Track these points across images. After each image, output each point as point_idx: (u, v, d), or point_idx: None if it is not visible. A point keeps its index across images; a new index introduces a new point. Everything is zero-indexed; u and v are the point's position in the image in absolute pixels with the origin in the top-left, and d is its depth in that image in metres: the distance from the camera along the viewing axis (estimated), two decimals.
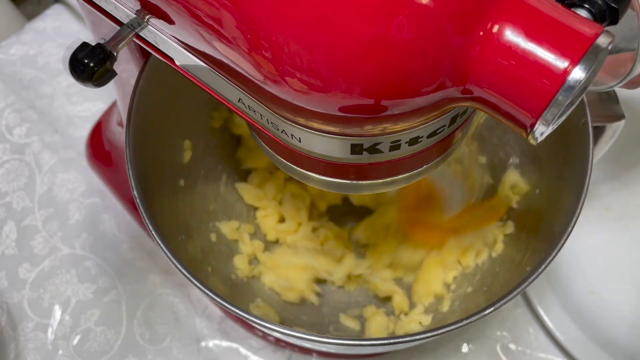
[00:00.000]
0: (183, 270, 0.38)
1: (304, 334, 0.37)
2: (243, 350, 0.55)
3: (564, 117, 0.24)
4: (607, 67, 0.31)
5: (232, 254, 0.56)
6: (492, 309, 0.37)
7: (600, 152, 0.47)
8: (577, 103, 0.24)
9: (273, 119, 0.28)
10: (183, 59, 0.29)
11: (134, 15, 0.28)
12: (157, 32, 0.28)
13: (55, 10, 0.73)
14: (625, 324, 0.52)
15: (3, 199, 0.60)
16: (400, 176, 0.32)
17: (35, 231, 0.59)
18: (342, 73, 0.22)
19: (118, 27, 0.28)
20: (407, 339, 0.37)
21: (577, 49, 0.21)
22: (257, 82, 0.24)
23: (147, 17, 0.27)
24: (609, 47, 0.22)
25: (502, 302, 0.37)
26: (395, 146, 0.27)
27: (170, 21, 0.26)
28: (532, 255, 0.46)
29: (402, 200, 0.58)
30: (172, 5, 0.25)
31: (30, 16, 0.75)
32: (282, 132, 0.29)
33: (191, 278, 0.37)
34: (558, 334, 0.54)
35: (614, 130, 0.44)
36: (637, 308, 0.52)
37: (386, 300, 0.55)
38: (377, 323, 0.53)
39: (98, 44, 0.27)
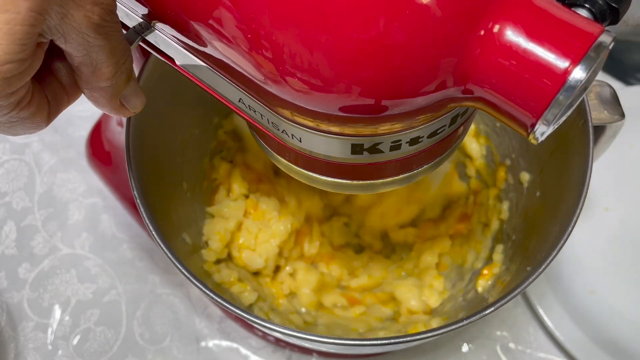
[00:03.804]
0: (183, 270, 0.38)
1: (304, 334, 0.37)
2: (243, 350, 0.55)
3: (564, 117, 0.24)
4: None
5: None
6: (492, 309, 0.37)
7: (600, 152, 0.46)
8: (577, 103, 0.24)
9: (273, 118, 0.28)
10: (183, 59, 0.29)
11: (140, 20, 0.28)
12: (157, 33, 0.28)
13: None
14: (625, 324, 0.52)
15: (3, 198, 0.60)
16: (400, 176, 0.32)
17: (35, 231, 0.59)
18: (342, 73, 0.22)
19: (124, 31, 0.28)
20: (407, 339, 0.37)
21: (578, 49, 0.21)
22: (258, 82, 0.24)
23: (154, 22, 0.27)
24: (610, 47, 0.22)
25: (502, 302, 0.37)
26: (395, 146, 0.27)
27: (176, 26, 0.26)
28: (532, 255, 0.46)
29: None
30: (174, 7, 0.25)
31: None
32: (282, 132, 0.29)
33: (191, 278, 0.37)
34: (558, 333, 0.54)
35: (614, 130, 0.44)
36: (637, 308, 0.52)
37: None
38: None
39: None
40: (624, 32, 0.57)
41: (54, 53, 0.26)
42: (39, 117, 0.26)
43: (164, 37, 0.28)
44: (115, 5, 0.24)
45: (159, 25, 0.27)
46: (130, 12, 0.28)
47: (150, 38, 0.29)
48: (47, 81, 0.26)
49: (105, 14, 0.24)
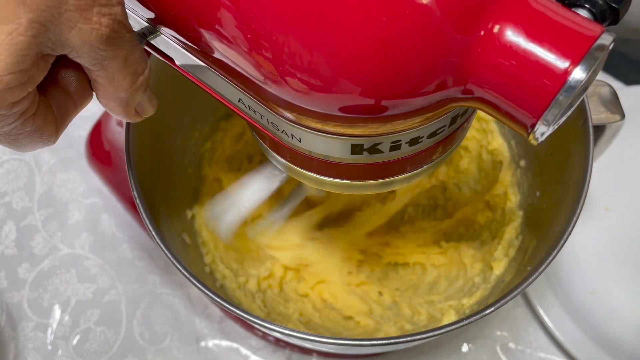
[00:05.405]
0: (183, 271, 0.38)
1: (304, 334, 0.37)
2: (243, 350, 0.55)
3: (564, 118, 0.24)
4: None
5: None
6: (492, 309, 0.37)
7: (600, 152, 0.46)
8: (577, 103, 0.24)
9: (273, 119, 0.28)
10: (183, 59, 0.29)
11: (146, 24, 0.28)
12: (159, 34, 0.28)
13: None
14: (625, 324, 0.52)
15: (3, 198, 0.60)
16: (399, 176, 0.32)
17: (34, 231, 0.59)
18: (342, 73, 0.22)
19: None
20: (407, 339, 0.36)
21: (578, 49, 0.21)
22: (258, 82, 0.24)
23: (158, 25, 0.27)
24: (610, 47, 0.22)
25: (502, 302, 0.37)
26: (395, 146, 0.27)
27: (176, 27, 0.26)
28: (532, 255, 0.46)
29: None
30: (174, 7, 0.25)
31: None
32: (282, 132, 0.29)
33: (191, 278, 0.37)
34: (558, 334, 0.54)
35: (614, 130, 0.44)
36: (637, 308, 0.52)
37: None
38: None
39: None
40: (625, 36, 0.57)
41: (58, 62, 0.25)
42: (47, 131, 0.25)
43: (163, 37, 0.28)
44: (126, 14, 0.24)
45: (164, 28, 0.27)
46: (131, 13, 0.28)
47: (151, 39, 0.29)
48: (51, 93, 0.26)
49: (115, 24, 0.23)
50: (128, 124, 0.42)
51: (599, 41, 0.21)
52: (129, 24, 0.24)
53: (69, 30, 0.22)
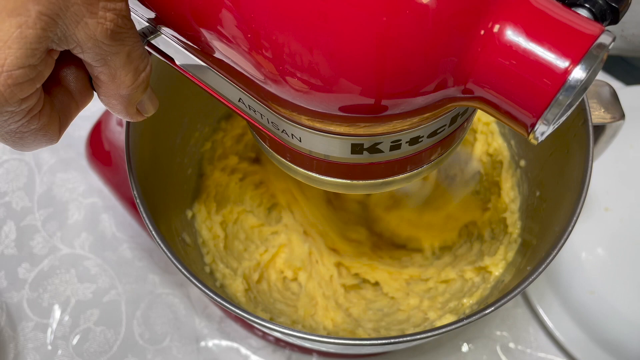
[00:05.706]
0: (183, 270, 0.38)
1: (304, 333, 0.37)
2: (243, 350, 0.55)
3: (564, 117, 0.24)
4: None
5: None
6: (492, 308, 0.37)
7: (600, 152, 0.46)
8: (577, 103, 0.24)
9: (273, 118, 0.28)
10: (183, 58, 0.29)
11: (146, 24, 0.28)
12: (159, 33, 0.28)
13: None
14: (625, 324, 0.52)
15: (2, 198, 0.60)
16: (399, 176, 0.32)
17: (34, 231, 0.59)
18: (342, 72, 0.22)
19: None
20: (407, 338, 0.36)
21: (578, 48, 0.21)
22: (258, 81, 0.24)
23: (159, 25, 0.27)
24: (610, 47, 0.22)
25: (502, 302, 0.37)
26: (395, 146, 0.27)
27: (177, 27, 0.26)
28: (532, 255, 0.46)
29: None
30: (175, 7, 0.25)
31: None
32: (282, 131, 0.29)
33: (191, 278, 0.37)
34: (558, 333, 0.54)
35: (614, 130, 0.44)
36: (637, 308, 0.52)
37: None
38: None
39: None
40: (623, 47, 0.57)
41: (60, 61, 0.25)
42: (51, 130, 0.26)
43: (164, 37, 0.28)
44: (129, 10, 0.24)
45: (165, 29, 0.27)
46: (131, 13, 0.28)
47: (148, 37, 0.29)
48: (54, 92, 0.26)
49: (119, 19, 0.23)
50: (128, 124, 0.42)
51: (599, 40, 0.21)
52: (132, 20, 0.24)
53: (75, 25, 0.22)
